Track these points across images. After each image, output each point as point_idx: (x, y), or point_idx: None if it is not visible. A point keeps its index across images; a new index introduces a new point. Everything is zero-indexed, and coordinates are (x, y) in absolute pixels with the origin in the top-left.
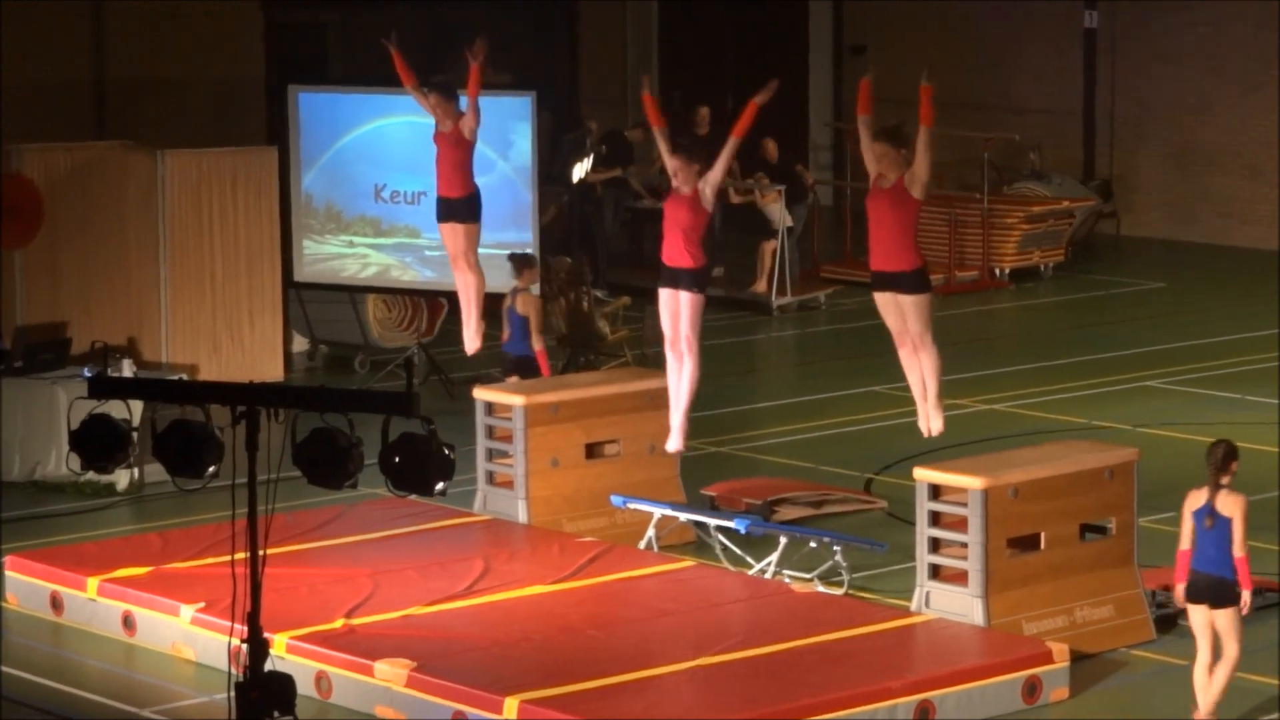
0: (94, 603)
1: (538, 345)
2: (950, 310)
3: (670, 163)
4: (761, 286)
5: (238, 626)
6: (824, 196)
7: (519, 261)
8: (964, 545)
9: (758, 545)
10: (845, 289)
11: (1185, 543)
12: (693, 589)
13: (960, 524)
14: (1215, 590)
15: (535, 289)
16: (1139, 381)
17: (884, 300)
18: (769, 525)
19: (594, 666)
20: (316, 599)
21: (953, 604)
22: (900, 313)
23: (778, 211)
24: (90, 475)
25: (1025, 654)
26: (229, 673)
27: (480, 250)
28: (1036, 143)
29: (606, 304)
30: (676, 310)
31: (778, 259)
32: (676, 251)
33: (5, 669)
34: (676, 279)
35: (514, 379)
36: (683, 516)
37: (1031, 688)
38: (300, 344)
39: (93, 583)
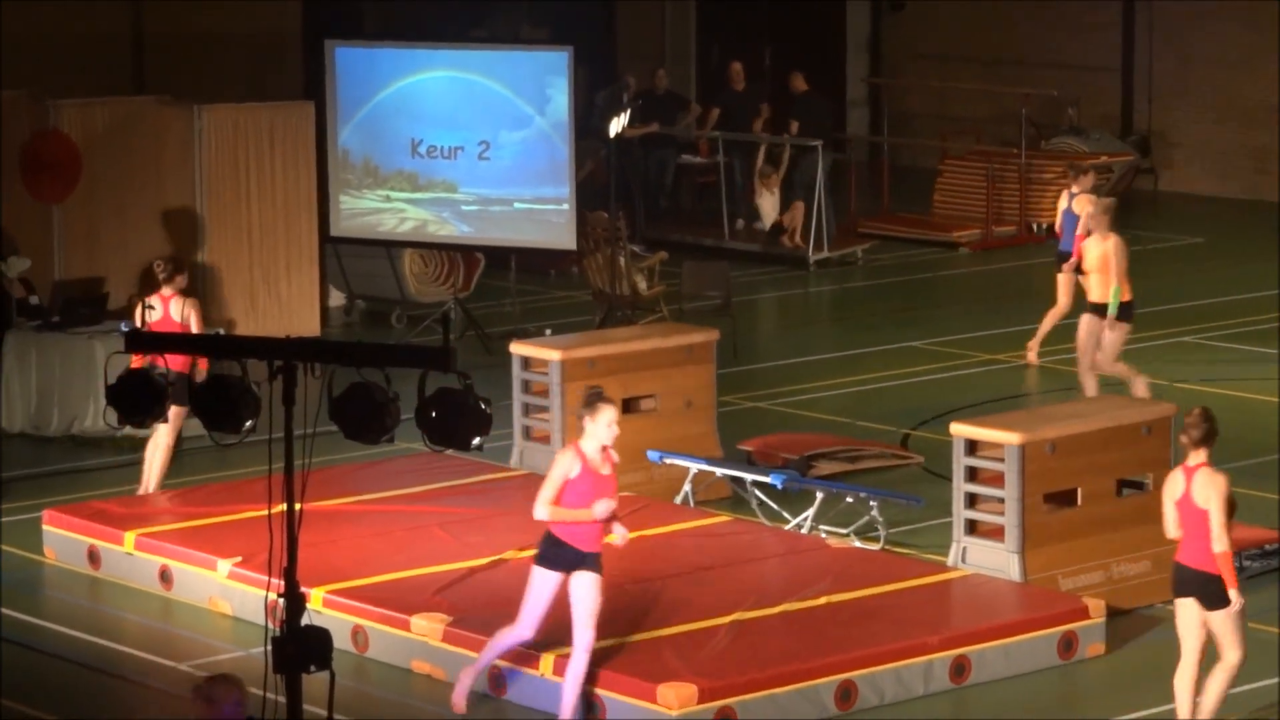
0: (131, 557)
1: (1080, 231)
2: (988, 265)
3: None
4: (795, 234)
5: (274, 581)
6: (860, 152)
7: (1078, 169)
8: (1001, 500)
9: (794, 500)
10: (882, 244)
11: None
12: (729, 544)
13: (997, 479)
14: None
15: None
16: (1176, 337)
17: None
18: (805, 480)
19: (630, 621)
20: (353, 554)
21: (989, 559)
22: None
23: (770, 204)
24: (127, 430)
25: (1061, 610)
26: (266, 627)
27: (518, 206)
28: (1075, 98)
29: (643, 259)
30: None
31: (815, 215)
32: None
33: (43, 623)
34: None
35: (1068, 274)
36: (719, 472)
37: (1068, 643)
38: (337, 299)
39: (130, 537)
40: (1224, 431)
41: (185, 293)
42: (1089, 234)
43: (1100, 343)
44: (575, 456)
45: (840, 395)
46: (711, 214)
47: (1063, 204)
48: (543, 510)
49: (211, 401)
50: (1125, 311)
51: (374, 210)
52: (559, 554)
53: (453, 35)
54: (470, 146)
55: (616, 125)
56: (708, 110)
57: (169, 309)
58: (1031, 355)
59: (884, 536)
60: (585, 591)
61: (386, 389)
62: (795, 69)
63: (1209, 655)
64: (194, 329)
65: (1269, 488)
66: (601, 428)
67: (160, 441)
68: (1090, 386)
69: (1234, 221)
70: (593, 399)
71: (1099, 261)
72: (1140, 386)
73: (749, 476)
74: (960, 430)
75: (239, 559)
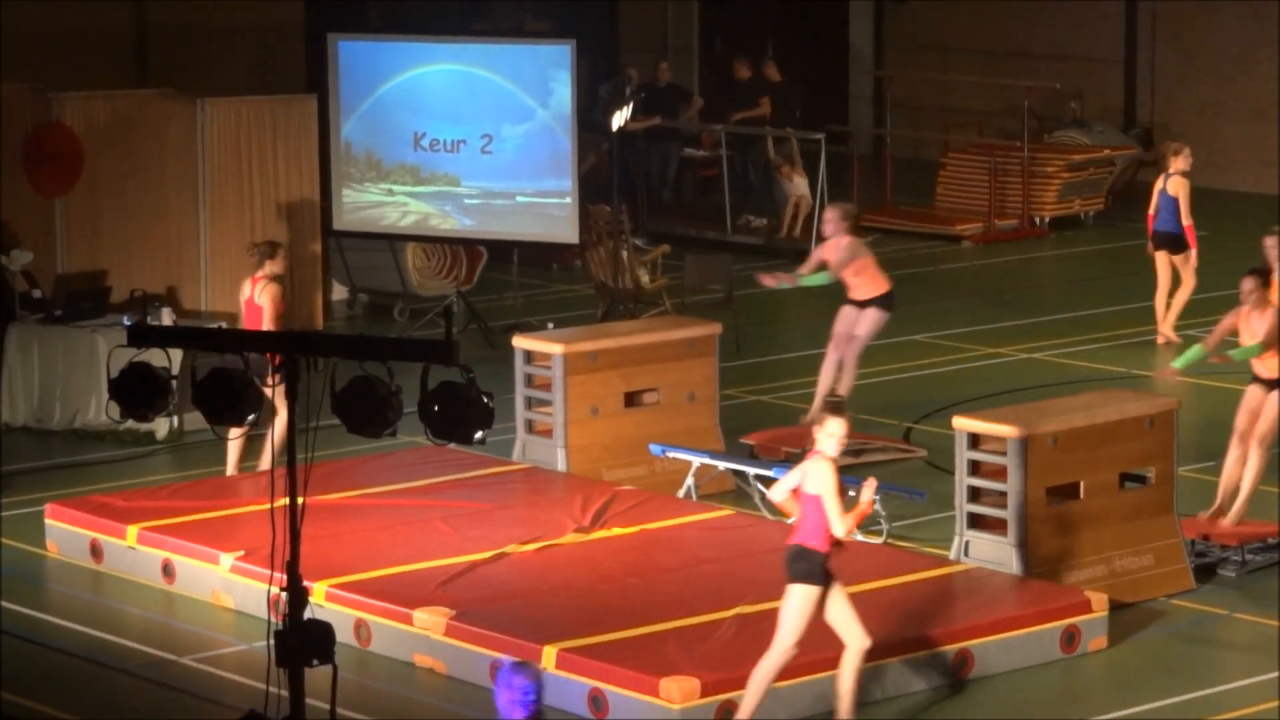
0: (134, 551)
1: (1186, 221)
2: (990, 259)
3: None
4: (788, 234)
5: (277, 575)
6: (863, 145)
7: (1171, 149)
8: (1003, 494)
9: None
10: (885, 237)
11: None
12: (731, 538)
13: (999, 473)
14: None
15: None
16: (1180, 330)
17: None
18: None
19: (632, 615)
20: (356, 547)
21: (992, 553)
22: None
23: (798, 187)
24: (130, 423)
25: (1064, 603)
26: (268, 621)
27: (521, 199)
28: (1077, 91)
29: (646, 252)
30: None
31: (816, 209)
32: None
33: (45, 617)
34: None
35: (1162, 253)
36: (721, 465)
37: (1070, 637)
38: (340, 292)
39: (132, 531)
40: (1224, 425)
41: (277, 279)
42: (1156, 214)
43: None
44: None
45: None
46: (714, 207)
47: (1159, 185)
48: (845, 526)
49: (214, 395)
50: (886, 301)
51: (376, 204)
52: (824, 566)
53: (455, 29)
54: (473, 140)
55: (619, 118)
56: (726, 106)
57: (254, 292)
58: (1168, 333)
59: (886, 530)
60: (845, 599)
61: (389, 383)
62: (797, 61)
63: None
64: (266, 314)
65: (1269, 480)
66: (824, 438)
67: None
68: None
69: (1236, 215)
70: (823, 408)
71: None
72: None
73: (752, 470)
74: (962, 424)
75: (241, 553)
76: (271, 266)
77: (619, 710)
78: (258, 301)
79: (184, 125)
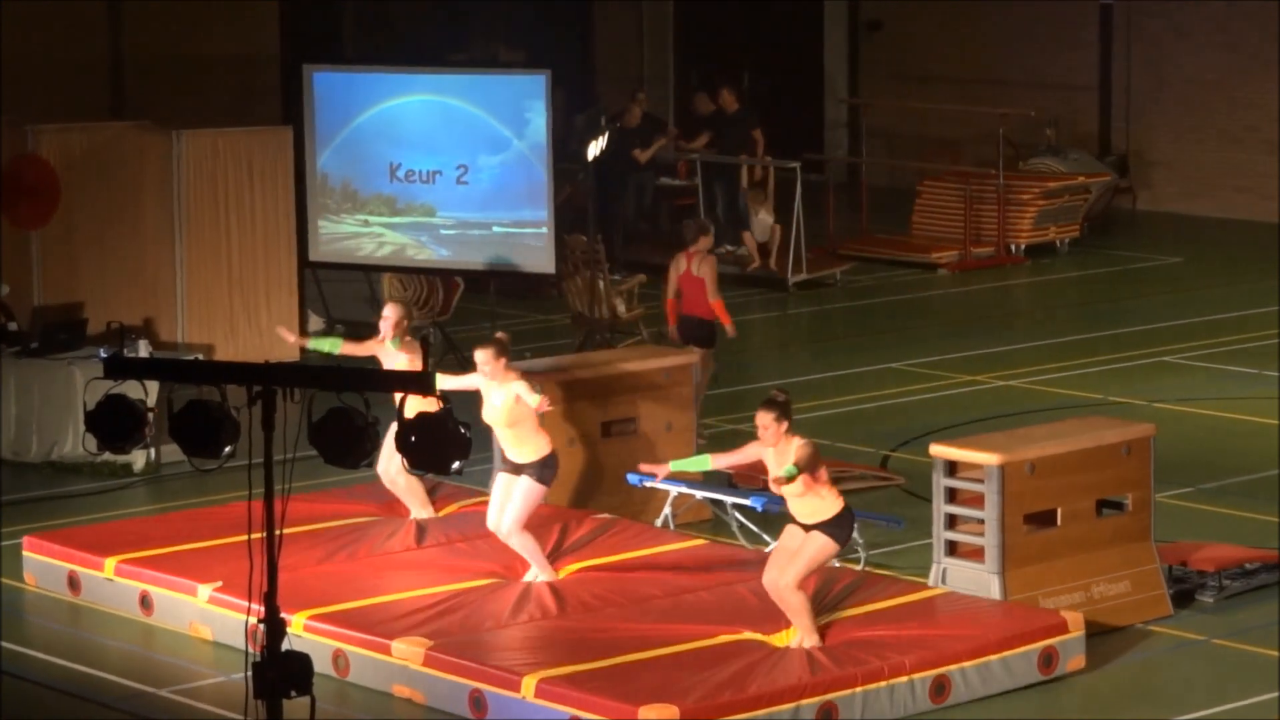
0: (111, 583)
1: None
2: (966, 286)
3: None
4: (764, 264)
5: (255, 606)
6: (839, 173)
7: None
8: (981, 521)
9: (774, 522)
10: (861, 266)
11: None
12: (709, 566)
13: (977, 500)
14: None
15: None
16: (1155, 357)
17: None
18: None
19: (611, 644)
20: (333, 578)
21: (969, 580)
22: None
23: (766, 223)
24: (107, 456)
25: (1040, 625)
26: (246, 652)
27: (497, 230)
28: (1053, 118)
29: (622, 282)
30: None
31: (793, 237)
32: None
33: (23, 649)
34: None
35: None
36: (699, 494)
37: (1048, 658)
38: (316, 323)
39: (110, 563)
40: (1202, 451)
41: (712, 252)
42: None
43: None
44: None
45: (820, 417)
46: None
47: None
48: None
49: (191, 427)
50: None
51: (353, 235)
52: None
53: (430, 59)
54: (448, 170)
55: (594, 148)
56: (698, 135)
57: (691, 266)
58: None
59: (864, 558)
60: None
61: (366, 414)
62: (776, 89)
63: None
64: (709, 284)
65: (1245, 506)
66: None
67: None
68: None
69: (1212, 241)
70: None
71: None
72: None
73: (729, 499)
74: (940, 451)
75: (219, 584)
76: (705, 241)
77: None
78: (697, 274)
79: (160, 157)
